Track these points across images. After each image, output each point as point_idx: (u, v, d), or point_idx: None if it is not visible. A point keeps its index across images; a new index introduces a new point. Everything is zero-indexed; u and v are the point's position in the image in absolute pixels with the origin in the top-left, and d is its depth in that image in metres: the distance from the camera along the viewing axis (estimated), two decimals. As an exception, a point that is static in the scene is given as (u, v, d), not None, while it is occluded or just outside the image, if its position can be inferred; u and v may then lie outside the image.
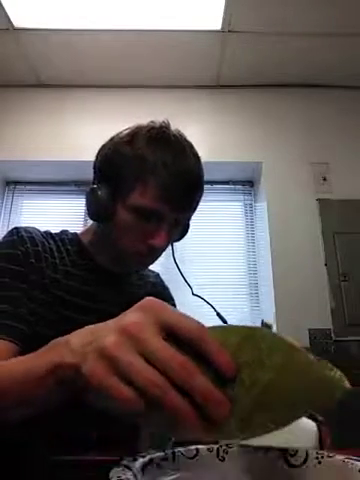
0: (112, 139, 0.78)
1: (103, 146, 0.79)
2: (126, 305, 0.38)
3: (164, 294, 0.97)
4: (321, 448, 0.54)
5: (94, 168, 0.79)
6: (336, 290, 2.04)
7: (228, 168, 2.35)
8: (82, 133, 2.31)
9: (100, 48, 2.15)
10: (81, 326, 0.41)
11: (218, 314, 0.83)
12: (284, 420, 0.33)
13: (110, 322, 0.37)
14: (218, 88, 2.44)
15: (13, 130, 2.35)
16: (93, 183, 0.78)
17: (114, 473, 0.34)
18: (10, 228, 0.78)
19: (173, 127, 0.76)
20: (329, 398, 0.33)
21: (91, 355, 0.34)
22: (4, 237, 0.76)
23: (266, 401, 0.33)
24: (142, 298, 0.37)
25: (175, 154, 0.72)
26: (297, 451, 0.41)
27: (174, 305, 0.98)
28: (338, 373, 0.33)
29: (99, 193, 0.73)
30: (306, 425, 0.56)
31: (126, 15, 1.96)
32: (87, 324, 0.40)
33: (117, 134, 0.78)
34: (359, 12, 1.91)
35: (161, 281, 1.00)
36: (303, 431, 0.55)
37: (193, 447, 0.42)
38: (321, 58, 2.22)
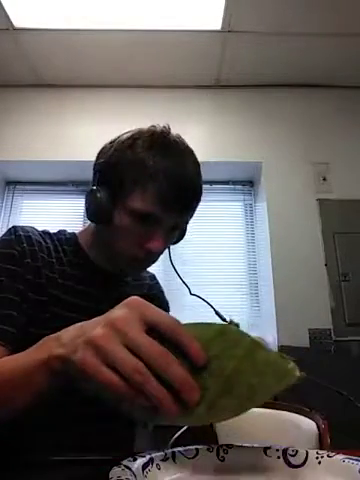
0: (113, 142, 0.77)
1: (103, 148, 0.79)
2: (116, 304, 0.40)
3: (160, 297, 0.97)
4: (321, 448, 0.53)
5: (94, 170, 0.79)
6: (336, 290, 2.04)
7: (228, 168, 2.35)
8: (82, 133, 2.31)
9: (100, 48, 2.15)
10: (71, 323, 0.43)
11: (217, 313, 0.83)
12: (243, 407, 0.38)
13: (98, 318, 0.40)
14: (218, 88, 2.44)
15: (12, 130, 2.35)
16: (92, 184, 0.78)
17: (114, 473, 0.34)
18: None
19: (173, 132, 0.76)
20: (283, 385, 0.37)
21: (81, 346, 0.38)
22: (2, 236, 0.75)
23: (229, 389, 0.37)
24: None
25: (174, 159, 0.72)
26: (297, 451, 0.41)
27: (168, 308, 0.98)
28: (291, 363, 0.38)
29: (98, 195, 0.73)
30: (306, 425, 0.56)
31: (126, 15, 1.96)
32: (76, 321, 0.43)
33: (118, 137, 0.77)
34: (359, 12, 1.91)
35: (157, 283, 1.00)
36: (303, 431, 0.55)
37: (193, 447, 0.42)
38: (321, 58, 2.22)
